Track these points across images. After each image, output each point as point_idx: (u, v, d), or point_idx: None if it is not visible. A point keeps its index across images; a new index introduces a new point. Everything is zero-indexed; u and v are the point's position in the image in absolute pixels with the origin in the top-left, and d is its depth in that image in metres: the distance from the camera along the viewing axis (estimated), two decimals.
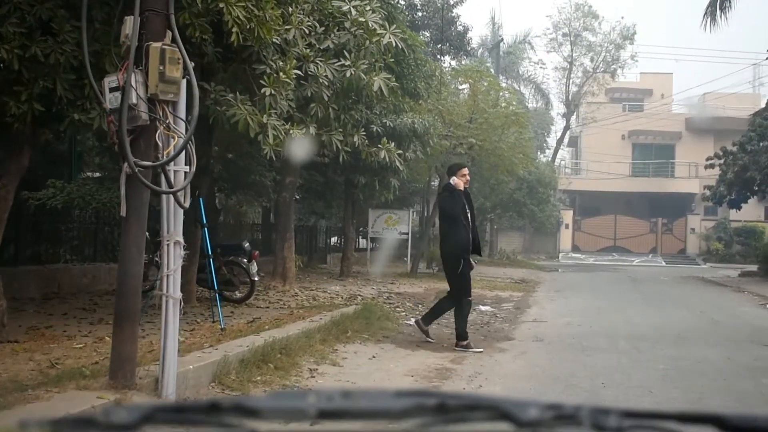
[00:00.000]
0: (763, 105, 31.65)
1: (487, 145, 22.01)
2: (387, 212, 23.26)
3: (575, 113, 51.79)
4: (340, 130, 10.73)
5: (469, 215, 9.65)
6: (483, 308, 15.39)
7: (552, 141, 52.73)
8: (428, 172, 23.09)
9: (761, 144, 26.99)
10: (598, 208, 50.65)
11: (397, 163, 11.22)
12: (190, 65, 5.93)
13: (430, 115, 18.87)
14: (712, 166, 29.89)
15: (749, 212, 40.63)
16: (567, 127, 49.83)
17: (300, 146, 9.98)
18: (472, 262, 9.90)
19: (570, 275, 29.33)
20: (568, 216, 48.64)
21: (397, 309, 13.99)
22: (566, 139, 54.80)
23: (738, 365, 8.93)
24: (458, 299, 9.68)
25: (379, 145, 11.28)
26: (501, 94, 22.97)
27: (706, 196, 31.27)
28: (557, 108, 58.08)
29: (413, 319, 10.32)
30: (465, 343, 9.53)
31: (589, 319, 13.80)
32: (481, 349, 9.47)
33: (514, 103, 23.31)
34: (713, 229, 46.26)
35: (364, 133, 11.48)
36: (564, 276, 28.00)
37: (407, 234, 23.38)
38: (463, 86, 23.59)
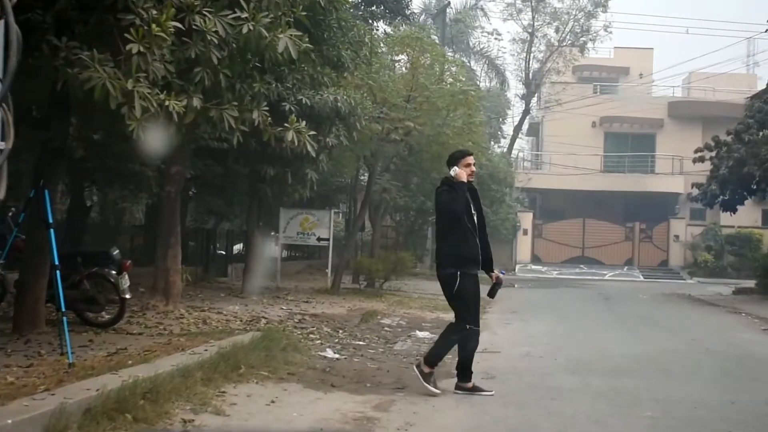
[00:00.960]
0: (761, 87, 31.75)
1: (429, 130, 21.52)
2: (303, 213, 22.65)
3: (537, 95, 52.03)
4: (235, 103, 9.95)
5: (475, 217, 9.00)
6: (420, 334, 14.88)
7: (508, 128, 52.68)
8: (356, 163, 22.48)
9: (761, 133, 26.84)
10: (563, 211, 50.95)
11: (309, 148, 10.42)
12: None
13: (358, 91, 18.30)
14: (701, 159, 29.77)
15: (744, 216, 40.78)
16: (527, 112, 49.83)
17: (177, 124, 9.20)
18: (498, 274, 9.35)
19: (529, 292, 29.00)
20: (526, 219, 48.61)
21: (311, 336, 13.33)
22: (525, 126, 55.41)
23: (746, 411, 8.44)
24: (460, 329, 9.02)
25: (286, 124, 10.47)
26: (446, 67, 22.43)
27: (693, 196, 31.23)
28: (515, 88, 58.11)
29: (415, 366, 9.29)
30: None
31: (553, 349, 13.33)
32: (492, 392, 8.87)
33: (462, 78, 22.79)
34: (701, 237, 46.69)
35: (266, 108, 10.69)
36: (522, 293, 27.60)
37: (328, 240, 22.72)
38: (400, 57, 22.98)
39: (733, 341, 15.55)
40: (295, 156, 15.96)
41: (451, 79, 22.08)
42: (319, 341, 12.85)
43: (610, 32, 48.77)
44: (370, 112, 19.21)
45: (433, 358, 9.05)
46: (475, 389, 8.96)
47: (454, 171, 9.03)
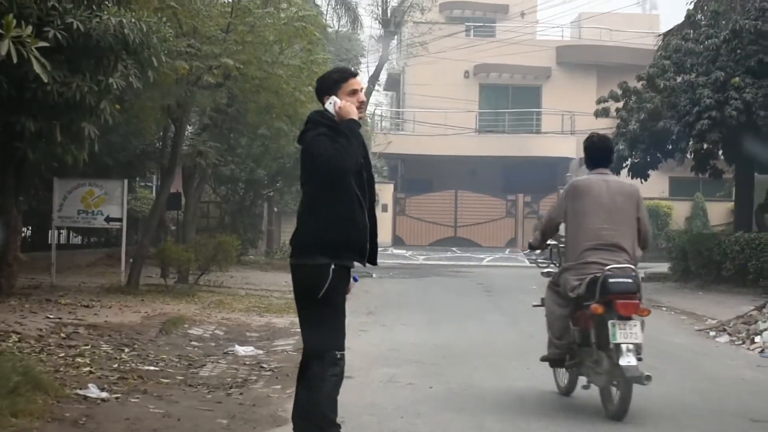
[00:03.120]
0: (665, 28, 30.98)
1: (255, 71, 19.43)
2: (85, 184, 20.25)
3: (396, 38, 50.76)
4: None
5: (365, 178, 6.96)
6: (242, 351, 13.24)
7: (362, 80, 50.95)
8: (158, 116, 20.18)
9: (681, 77, 25.72)
10: (429, 181, 50.43)
11: (38, 69, 7.83)
12: None
13: (154, 15, 16.05)
14: (604, 112, 28.75)
15: (649, 186, 39.44)
16: (385, 58, 48.53)
17: None
18: (353, 279, 7.04)
19: (390, 284, 27.93)
20: (386, 192, 47.62)
21: (77, 361, 11.16)
22: (383, 78, 54.38)
23: None
24: (313, 355, 6.78)
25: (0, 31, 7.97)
26: None
27: None
28: (370, 28, 56.57)
29: None
30: None
31: (427, 371, 11.65)
32: None
33: (299, 1, 20.75)
34: None
35: (17, 36, 8.26)
36: (381, 285, 26.17)
37: (120, 221, 20.41)
38: None
39: (671, 350, 14.05)
40: (66, 103, 14.21)
41: (285, 3, 19.96)
42: (87, 369, 10.65)
43: None
44: (173, 44, 17.04)
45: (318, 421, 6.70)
46: None
47: (333, 103, 6.89)
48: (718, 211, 45.04)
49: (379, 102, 57.47)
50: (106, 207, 20.25)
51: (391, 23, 47.46)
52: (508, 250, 47.61)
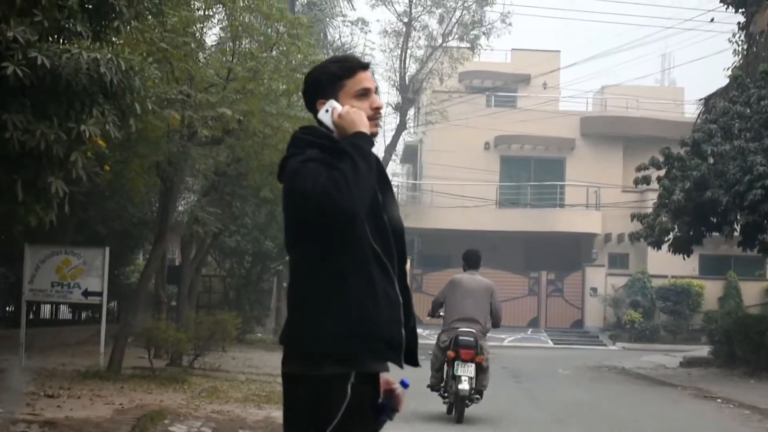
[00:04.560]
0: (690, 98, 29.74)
1: (258, 124, 17.18)
2: (60, 252, 18.02)
3: (415, 106, 49.68)
4: None
5: (387, 226, 4.58)
6: None
7: (378, 150, 49.33)
8: (146, 178, 17.79)
9: (729, 143, 23.52)
10: (448, 257, 47.90)
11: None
12: None
13: (138, 51, 13.95)
14: (645, 180, 26.76)
15: (677, 263, 38.48)
16: (402, 126, 46.89)
17: None
18: (397, 387, 4.62)
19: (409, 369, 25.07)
20: None
21: None
22: (400, 147, 53.37)
23: None
24: None
25: None
26: (283, 29, 17.96)
27: (637, 234, 27.95)
28: (387, 95, 55.26)
29: None
30: None
31: None
32: None
33: (311, 43, 18.50)
34: (625, 290, 45.18)
35: None
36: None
37: (100, 296, 18.09)
38: (217, 11, 18.53)
39: None
40: (30, 155, 12.16)
41: (292, 47, 17.73)
42: None
43: (510, 24, 46.26)
44: (162, 90, 14.80)
45: None
46: None
47: (331, 110, 4.47)
48: (753, 291, 43.61)
49: (395, 172, 55.86)
50: (85, 279, 18.04)
51: (409, 89, 46.23)
52: (530, 330, 46.23)
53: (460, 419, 14.14)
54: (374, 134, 4.47)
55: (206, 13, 17.98)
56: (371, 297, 4.25)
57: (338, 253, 4.25)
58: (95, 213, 24.32)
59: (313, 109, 4.48)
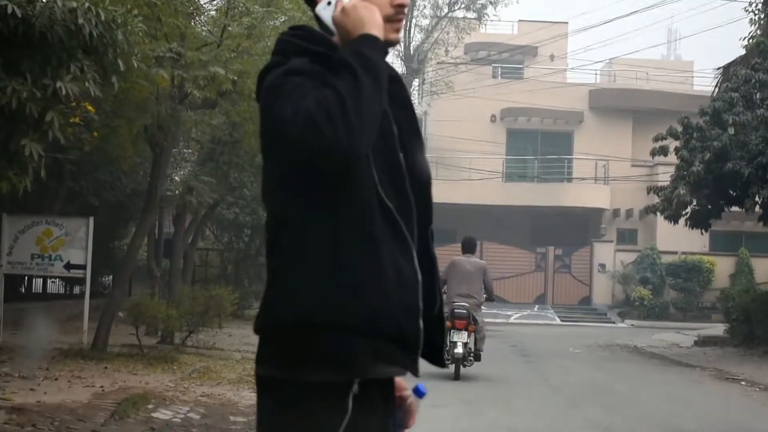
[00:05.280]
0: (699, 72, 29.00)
1: (253, 84, 15.87)
2: (41, 222, 16.88)
3: (420, 77, 49.44)
4: None
5: (403, 169, 3.29)
6: None
7: None
8: (132, 143, 16.73)
9: (751, 113, 22.54)
10: (453, 231, 46.81)
11: None
12: None
13: (121, 5, 12.88)
14: (662, 151, 25.77)
15: (687, 240, 39.67)
16: None
17: None
18: (416, 392, 3.49)
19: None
20: None
21: None
22: None
23: None
24: None
25: None
26: None
27: (653, 207, 27.04)
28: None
29: None
30: None
31: None
32: None
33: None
34: (634, 266, 44.42)
35: None
36: None
37: (83, 269, 17.08)
38: None
39: None
40: (0, 113, 11.28)
41: (287, 2, 16.63)
42: None
43: None
44: (149, 47, 13.71)
45: None
46: None
47: (334, 2, 3.22)
48: (765, 268, 42.47)
49: None
50: (67, 251, 16.91)
51: (414, 60, 46.33)
52: (536, 306, 45.65)
53: (457, 376, 16.60)
54: (393, 42, 3.23)
55: None
56: (375, 272, 3.01)
57: (330, 208, 3.02)
58: (87, 183, 23.47)
59: (313, 2, 3.24)
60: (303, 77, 2.98)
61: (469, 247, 18.05)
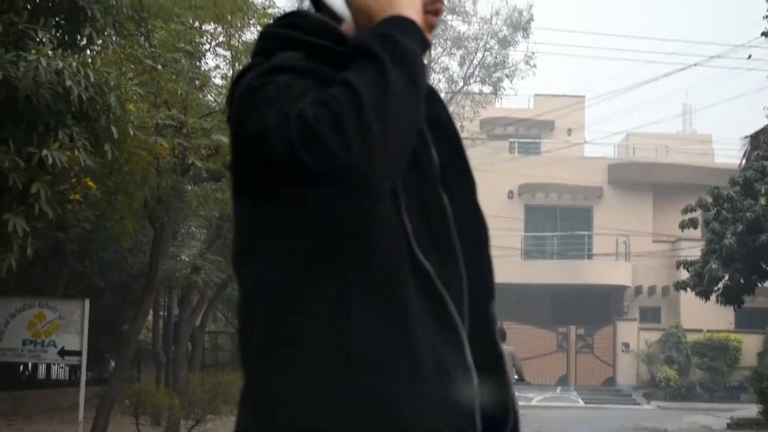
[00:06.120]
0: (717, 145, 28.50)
1: None
2: (34, 305, 16.04)
3: None
4: None
5: (447, 227, 2.09)
6: None
7: None
8: (131, 213, 15.82)
9: None
10: None
11: None
12: None
13: (116, 68, 12.08)
14: (692, 223, 25.24)
15: (715, 317, 39.27)
16: None
17: None
18: None
19: None
20: None
21: None
22: None
23: None
24: None
25: None
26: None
27: (683, 283, 26.20)
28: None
29: None
30: None
31: None
32: None
33: None
34: (659, 345, 43.55)
35: None
36: None
37: (78, 355, 16.18)
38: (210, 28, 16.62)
39: None
40: None
41: None
42: None
43: (534, 66, 45.52)
44: (146, 114, 12.79)
45: None
46: None
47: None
48: None
49: None
50: (61, 336, 16.07)
51: None
52: (559, 388, 44.61)
53: None
54: (431, 26, 2.12)
55: (201, 28, 16.01)
56: (407, 365, 1.89)
57: (336, 275, 1.90)
58: (91, 264, 22.82)
59: None
60: (292, 76, 1.90)
61: (500, 337, 18.62)
